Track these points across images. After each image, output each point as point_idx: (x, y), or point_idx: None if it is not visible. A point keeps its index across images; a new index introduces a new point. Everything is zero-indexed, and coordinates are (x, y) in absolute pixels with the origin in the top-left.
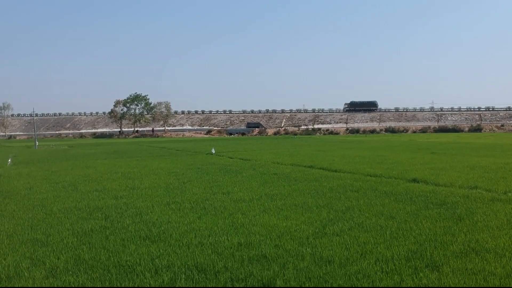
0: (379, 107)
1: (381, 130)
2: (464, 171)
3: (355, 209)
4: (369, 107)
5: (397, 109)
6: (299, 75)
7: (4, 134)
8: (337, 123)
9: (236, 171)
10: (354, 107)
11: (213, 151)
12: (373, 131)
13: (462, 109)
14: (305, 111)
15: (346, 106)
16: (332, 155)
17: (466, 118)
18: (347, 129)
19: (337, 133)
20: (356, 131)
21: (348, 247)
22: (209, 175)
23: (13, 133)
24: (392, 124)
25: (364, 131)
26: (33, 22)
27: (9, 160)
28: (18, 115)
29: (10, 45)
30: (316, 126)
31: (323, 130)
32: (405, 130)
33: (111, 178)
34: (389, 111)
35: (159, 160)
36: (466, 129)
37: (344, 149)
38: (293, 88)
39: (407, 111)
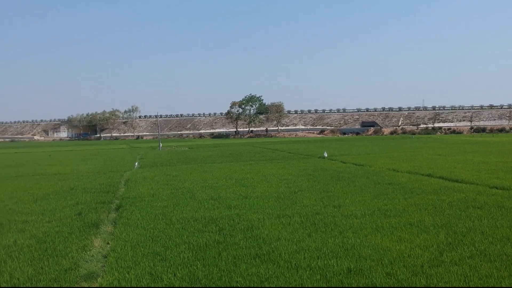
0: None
1: (511, 128)
2: None
3: (477, 231)
4: None
5: None
6: (417, 71)
7: (133, 134)
8: (460, 121)
9: (348, 179)
10: None
11: (325, 154)
12: (501, 130)
13: None
14: (425, 108)
15: None
16: (453, 160)
17: None
18: (472, 128)
19: (460, 133)
20: (481, 130)
21: (467, 281)
22: (320, 184)
23: (140, 134)
24: None
25: (491, 130)
26: (158, 27)
27: (136, 164)
28: (145, 116)
29: (141, 54)
30: (436, 125)
31: (444, 129)
32: None
33: (226, 185)
34: None
35: (271, 165)
36: None
37: (467, 152)
38: (411, 84)
39: None
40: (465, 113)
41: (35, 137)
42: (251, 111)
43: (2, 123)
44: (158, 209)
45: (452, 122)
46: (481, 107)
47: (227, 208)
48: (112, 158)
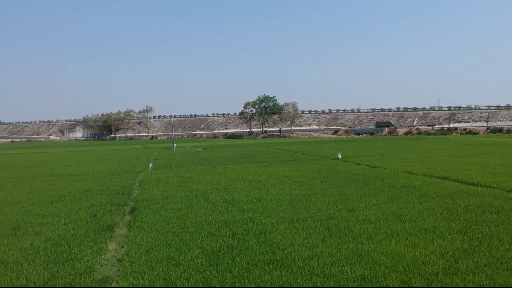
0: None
1: None
2: None
3: (494, 237)
4: None
5: None
6: (432, 70)
7: (147, 134)
8: (476, 121)
9: (363, 182)
10: None
11: (339, 156)
12: None
13: None
14: (440, 108)
15: None
16: (469, 162)
17: None
18: (488, 128)
19: (476, 133)
20: (498, 130)
21: None
22: (334, 187)
23: (154, 134)
24: None
25: (509, 131)
26: (172, 27)
27: (150, 165)
28: (159, 116)
29: (156, 54)
30: (452, 125)
31: (460, 130)
32: None
33: (239, 187)
34: None
35: (285, 166)
36: None
37: (483, 154)
38: (426, 83)
39: None
40: (481, 113)
41: (51, 137)
42: (265, 112)
43: (19, 123)
44: (172, 212)
45: (468, 122)
46: (498, 107)
47: (240, 212)
48: (127, 158)
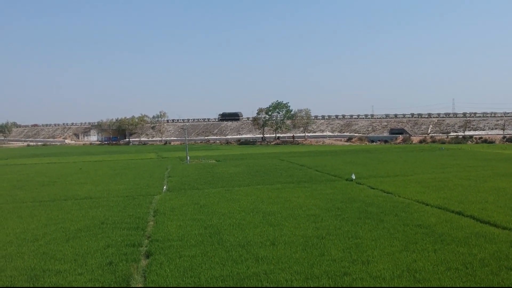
0: (243, 117)
1: None
2: None
3: None
4: (234, 117)
5: None
6: (447, 70)
7: (161, 139)
8: (492, 129)
9: (377, 217)
10: (225, 117)
11: (353, 176)
12: None
13: None
14: (455, 115)
15: (219, 116)
16: (484, 189)
17: None
18: (504, 137)
19: (491, 142)
20: None
21: None
22: (348, 225)
23: (168, 138)
24: None
25: None
26: (185, 32)
27: (165, 187)
28: (173, 120)
29: (169, 60)
30: (467, 133)
31: (475, 138)
32: None
33: (253, 222)
34: None
35: (298, 191)
36: None
37: (499, 176)
38: (441, 84)
39: None
40: (497, 120)
41: (66, 141)
42: (278, 118)
43: (35, 126)
44: (186, 260)
45: (483, 130)
46: None
47: (254, 261)
48: (141, 174)
